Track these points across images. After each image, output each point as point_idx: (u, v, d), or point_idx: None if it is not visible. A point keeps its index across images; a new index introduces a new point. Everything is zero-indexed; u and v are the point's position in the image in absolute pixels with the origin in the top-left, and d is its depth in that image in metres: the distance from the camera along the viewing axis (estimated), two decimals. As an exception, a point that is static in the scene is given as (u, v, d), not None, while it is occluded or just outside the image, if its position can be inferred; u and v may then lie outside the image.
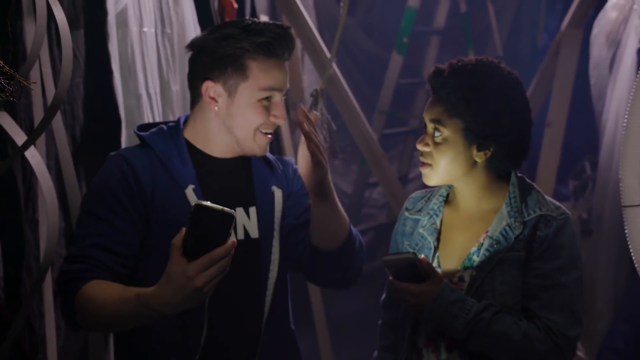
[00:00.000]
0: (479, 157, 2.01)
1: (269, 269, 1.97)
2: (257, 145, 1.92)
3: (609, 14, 3.95)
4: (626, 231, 1.21)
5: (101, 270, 1.76)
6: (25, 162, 2.12)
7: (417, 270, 1.95)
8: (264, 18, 4.36)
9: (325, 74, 2.94)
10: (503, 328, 1.92)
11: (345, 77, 4.37)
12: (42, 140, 2.22)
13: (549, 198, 2.05)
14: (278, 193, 2.03)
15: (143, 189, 1.84)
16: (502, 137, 1.99)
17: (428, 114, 2.04)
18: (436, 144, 2.00)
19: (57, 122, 2.28)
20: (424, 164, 2.04)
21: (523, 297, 1.97)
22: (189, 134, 1.96)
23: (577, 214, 4.05)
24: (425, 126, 2.05)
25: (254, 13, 4.11)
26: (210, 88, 1.88)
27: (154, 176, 1.86)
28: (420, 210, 2.16)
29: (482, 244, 2.02)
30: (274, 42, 1.86)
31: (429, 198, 2.17)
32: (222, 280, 1.59)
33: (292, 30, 1.91)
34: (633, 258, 1.22)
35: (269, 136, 1.92)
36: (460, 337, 1.95)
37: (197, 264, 1.54)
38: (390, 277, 2.00)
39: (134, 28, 2.74)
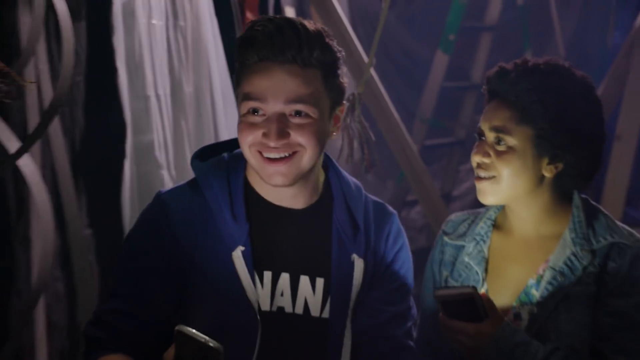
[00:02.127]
0: (549, 171, 1.97)
1: (340, 355, 1.82)
2: (263, 174, 1.75)
3: (691, 8, 3.98)
4: None
5: (120, 341, 1.73)
6: (17, 172, 2.15)
7: (474, 308, 1.90)
8: (289, 11, 4.39)
9: (363, 78, 2.97)
10: None
11: (382, 79, 4.40)
12: (37, 146, 2.26)
13: (619, 223, 2.02)
14: (359, 264, 1.85)
15: (181, 251, 1.75)
16: (579, 149, 1.96)
17: (490, 120, 1.99)
18: (499, 154, 1.96)
19: (55, 126, 2.33)
20: (481, 179, 1.98)
21: (594, 339, 1.92)
22: (250, 171, 1.82)
23: (652, 241, 4.04)
24: (480, 135, 2.01)
25: (278, 5, 4.15)
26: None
27: (198, 234, 1.76)
28: (463, 235, 2.12)
29: (541, 276, 1.98)
30: (253, 42, 1.70)
31: (473, 221, 2.13)
32: None
33: (301, 23, 1.72)
34: None
35: (275, 162, 1.73)
36: None
37: None
38: (441, 314, 1.93)
39: (142, 20, 2.78)
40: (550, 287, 1.95)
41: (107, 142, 2.63)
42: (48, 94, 2.26)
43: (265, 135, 1.69)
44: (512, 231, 2.06)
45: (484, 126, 1.98)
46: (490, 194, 1.97)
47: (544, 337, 1.93)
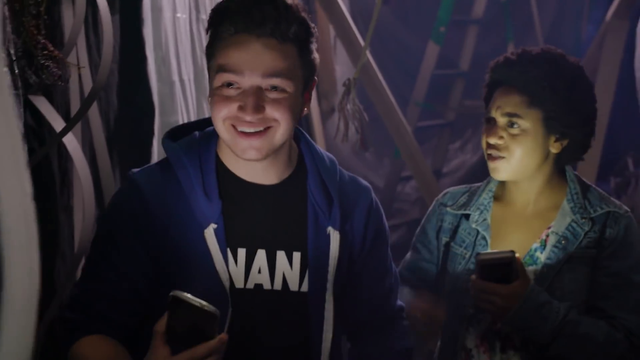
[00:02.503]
0: (556, 148, 2.00)
1: (322, 329, 1.66)
2: (236, 148, 1.57)
3: (657, 4, 4.00)
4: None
5: (99, 321, 1.58)
6: (60, 148, 2.17)
7: (509, 271, 1.89)
8: (297, 5, 4.41)
9: (359, 63, 2.99)
10: (588, 330, 1.91)
11: (379, 67, 4.42)
12: (77, 125, 2.26)
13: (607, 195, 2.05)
14: (335, 237, 1.68)
15: (154, 231, 1.59)
16: (583, 126, 1.99)
17: (502, 107, 1.99)
18: (513, 136, 1.97)
19: (93, 108, 2.33)
20: (494, 158, 2.00)
21: (593, 297, 1.96)
22: (221, 148, 1.65)
23: (620, 211, 4.07)
24: (489, 119, 2.01)
25: (287, 0, 4.16)
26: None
27: (171, 213, 1.59)
28: (464, 206, 2.12)
29: (545, 241, 2.01)
30: (229, 14, 1.53)
31: (473, 193, 2.13)
32: (252, 346, 1.50)
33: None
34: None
35: (249, 136, 1.54)
36: (545, 340, 1.92)
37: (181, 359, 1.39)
38: (474, 277, 1.92)
39: (168, 14, 2.81)
40: (555, 250, 1.98)
41: (137, 122, 2.64)
42: (87, 79, 2.27)
43: (241, 108, 1.51)
44: (513, 202, 2.08)
45: (495, 112, 1.99)
46: (503, 171, 1.99)
47: (551, 294, 1.95)
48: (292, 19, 1.52)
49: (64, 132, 1.99)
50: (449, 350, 2.09)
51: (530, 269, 1.99)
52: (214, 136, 1.63)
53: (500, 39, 5.92)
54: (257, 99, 1.51)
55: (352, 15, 4.95)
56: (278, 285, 1.63)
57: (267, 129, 1.54)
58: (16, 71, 1.95)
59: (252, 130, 1.53)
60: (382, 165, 6.28)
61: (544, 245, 2.01)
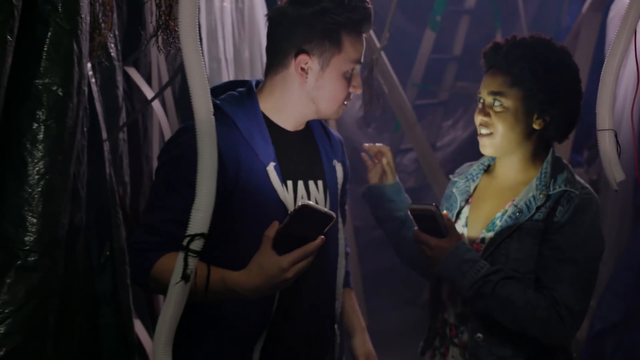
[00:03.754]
0: (538, 125, 2.04)
1: (338, 238, 2.06)
2: (337, 114, 1.94)
3: (625, -1, 4.29)
4: (599, 149, 1.62)
5: (175, 245, 1.64)
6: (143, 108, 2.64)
7: (436, 224, 2.00)
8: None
9: (381, 46, 3.47)
10: (508, 293, 1.96)
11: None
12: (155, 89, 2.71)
13: (579, 179, 2.07)
14: (339, 167, 2.06)
15: (227, 173, 1.79)
16: (561, 104, 2.03)
17: (488, 87, 2.06)
18: (497, 113, 2.03)
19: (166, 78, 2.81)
20: (482, 135, 2.07)
21: (536, 268, 2.00)
22: (264, 105, 1.93)
23: (589, 177, 4.47)
24: (480, 100, 2.09)
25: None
26: (305, 61, 1.87)
27: (238, 156, 1.83)
28: (460, 174, 2.25)
29: (506, 211, 2.07)
30: (366, 19, 1.89)
31: (471, 165, 2.26)
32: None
33: None
34: (605, 171, 1.62)
35: (346, 103, 1.95)
36: (466, 294, 2.00)
37: (291, 258, 1.65)
38: (415, 227, 2.05)
39: (217, 3, 3.21)
40: (509, 220, 2.04)
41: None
42: (162, 56, 2.72)
43: (354, 87, 1.92)
44: (497, 176, 2.16)
45: (483, 92, 2.08)
46: (489, 146, 2.07)
47: (496, 259, 2.03)
48: None
49: (155, 97, 2.46)
50: (433, 301, 2.22)
51: (489, 235, 2.07)
52: (254, 94, 1.92)
53: (489, 28, 6.12)
54: None
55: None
56: None
57: None
58: (119, 47, 2.46)
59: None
60: (383, 139, 6.43)
61: (504, 214, 2.07)
